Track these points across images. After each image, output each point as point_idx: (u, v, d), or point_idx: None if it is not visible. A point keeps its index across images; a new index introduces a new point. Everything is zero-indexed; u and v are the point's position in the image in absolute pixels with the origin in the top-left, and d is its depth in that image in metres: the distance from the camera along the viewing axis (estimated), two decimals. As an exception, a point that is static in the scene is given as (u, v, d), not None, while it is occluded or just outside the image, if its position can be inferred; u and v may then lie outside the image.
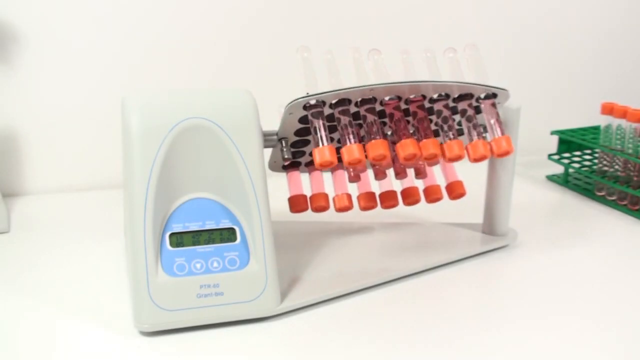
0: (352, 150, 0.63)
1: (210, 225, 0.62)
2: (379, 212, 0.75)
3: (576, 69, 1.18)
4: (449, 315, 0.64)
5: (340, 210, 0.71)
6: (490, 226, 0.79)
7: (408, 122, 0.69)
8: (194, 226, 0.61)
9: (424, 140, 0.66)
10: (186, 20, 0.96)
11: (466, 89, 0.68)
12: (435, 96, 0.68)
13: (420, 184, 0.75)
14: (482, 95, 0.69)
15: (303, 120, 0.66)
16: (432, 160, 0.67)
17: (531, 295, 0.68)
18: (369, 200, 0.73)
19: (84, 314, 0.63)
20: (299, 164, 0.73)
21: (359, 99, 0.66)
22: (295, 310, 0.63)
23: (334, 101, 0.65)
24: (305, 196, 0.72)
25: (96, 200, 0.93)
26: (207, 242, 0.61)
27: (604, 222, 0.87)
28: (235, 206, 0.63)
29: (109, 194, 0.94)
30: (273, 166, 0.73)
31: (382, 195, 0.74)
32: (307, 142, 0.70)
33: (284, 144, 0.67)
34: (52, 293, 0.67)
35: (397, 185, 0.74)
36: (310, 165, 0.74)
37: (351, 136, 0.64)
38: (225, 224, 0.62)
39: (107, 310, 0.63)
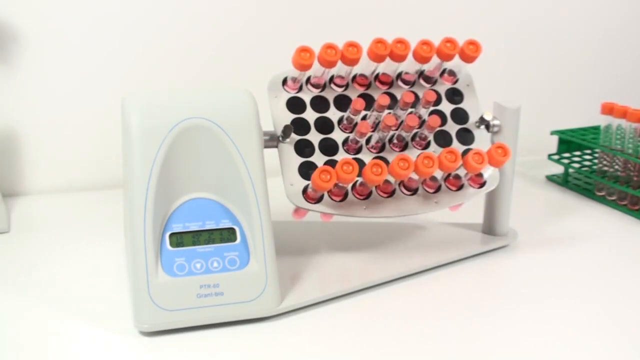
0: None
1: (210, 225, 0.62)
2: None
3: (576, 69, 1.18)
4: (448, 315, 0.64)
5: (370, 180, 0.65)
6: (490, 226, 0.79)
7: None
8: (194, 226, 0.61)
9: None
10: (186, 20, 0.96)
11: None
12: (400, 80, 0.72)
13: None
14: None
15: (291, 106, 0.68)
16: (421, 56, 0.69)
17: (531, 295, 0.68)
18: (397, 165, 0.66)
19: (84, 314, 0.63)
20: (322, 197, 0.69)
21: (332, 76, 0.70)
22: (295, 310, 0.63)
23: (311, 74, 0.68)
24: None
25: (96, 200, 0.93)
26: (207, 242, 0.61)
27: (604, 222, 0.87)
28: (235, 206, 0.63)
29: (109, 194, 0.94)
30: (290, 192, 0.67)
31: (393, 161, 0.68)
32: (312, 149, 0.70)
33: (281, 137, 0.68)
34: (52, 293, 0.67)
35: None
36: (333, 198, 0.69)
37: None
38: (225, 224, 0.62)
39: (108, 310, 0.63)
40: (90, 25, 0.92)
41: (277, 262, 0.63)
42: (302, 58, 0.66)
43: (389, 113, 0.69)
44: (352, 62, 0.68)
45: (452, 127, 0.74)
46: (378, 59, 0.68)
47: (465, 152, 0.73)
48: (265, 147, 0.66)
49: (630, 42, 1.20)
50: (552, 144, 1.04)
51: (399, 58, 0.69)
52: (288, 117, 0.69)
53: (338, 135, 0.70)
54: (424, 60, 0.70)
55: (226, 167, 0.62)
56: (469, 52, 0.71)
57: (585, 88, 1.19)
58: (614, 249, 0.80)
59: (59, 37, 0.91)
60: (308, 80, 0.71)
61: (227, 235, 0.62)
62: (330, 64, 0.67)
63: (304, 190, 0.68)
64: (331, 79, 0.71)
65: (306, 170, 0.69)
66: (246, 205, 0.62)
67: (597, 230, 0.85)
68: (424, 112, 0.70)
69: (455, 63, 0.73)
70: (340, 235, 0.78)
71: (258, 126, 0.63)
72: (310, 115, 0.70)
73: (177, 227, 0.61)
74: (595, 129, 1.02)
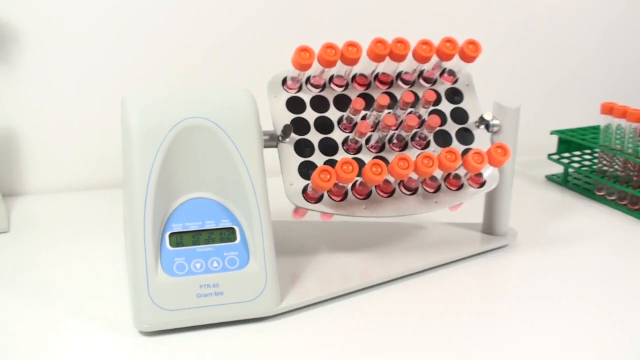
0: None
1: (210, 225, 0.62)
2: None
3: (576, 69, 1.18)
4: (448, 315, 0.64)
5: (370, 179, 0.65)
6: (490, 226, 0.79)
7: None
8: (194, 226, 0.61)
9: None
10: (186, 20, 0.96)
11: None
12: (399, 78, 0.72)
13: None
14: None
15: (291, 106, 0.68)
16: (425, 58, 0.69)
17: (531, 295, 0.68)
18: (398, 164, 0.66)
19: (83, 314, 0.63)
20: (322, 197, 0.69)
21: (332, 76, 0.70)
22: (295, 310, 0.63)
23: (311, 74, 0.68)
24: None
25: (96, 200, 0.93)
26: (207, 242, 0.61)
27: (604, 222, 0.87)
28: (235, 206, 0.63)
29: (109, 194, 0.94)
30: (290, 191, 0.67)
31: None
32: (312, 149, 0.69)
33: (281, 137, 0.68)
34: (52, 293, 0.67)
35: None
36: (333, 198, 0.69)
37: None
38: (225, 224, 0.62)
39: (107, 310, 0.63)
40: (90, 25, 0.92)
41: (277, 262, 0.63)
42: (302, 58, 0.66)
43: (389, 113, 0.69)
44: (352, 62, 0.68)
45: (452, 127, 0.74)
46: (378, 59, 0.69)
47: (465, 152, 0.73)
48: (265, 147, 0.66)
49: (630, 42, 1.20)
50: (552, 144, 1.04)
51: (399, 58, 0.69)
52: (288, 117, 0.69)
53: (338, 135, 0.70)
54: (423, 60, 0.70)
55: (226, 167, 0.62)
56: (469, 52, 0.71)
57: (585, 88, 1.19)
58: (614, 249, 0.80)
59: (59, 37, 0.91)
60: (308, 80, 0.71)
61: (227, 235, 0.62)
62: (330, 64, 0.67)
63: (304, 190, 0.68)
64: (331, 79, 0.72)
65: (306, 170, 0.68)
66: (246, 205, 0.62)
67: (597, 230, 0.85)
68: (424, 112, 0.70)
69: (456, 63, 0.73)
70: (340, 235, 0.78)
71: (258, 126, 0.63)
72: (310, 115, 0.70)
73: (177, 227, 0.61)
74: (595, 129, 1.02)
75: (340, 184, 0.66)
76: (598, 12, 1.16)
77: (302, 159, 0.69)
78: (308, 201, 0.67)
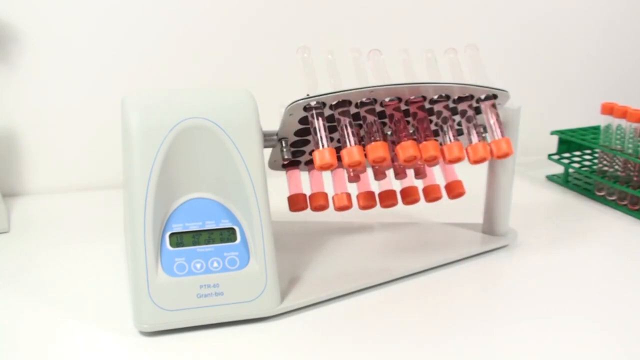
0: (352, 152, 0.63)
1: (210, 225, 0.62)
2: (379, 212, 0.75)
3: (576, 69, 1.18)
4: (449, 315, 0.64)
5: (339, 209, 0.72)
6: (490, 226, 0.79)
7: (408, 122, 0.69)
8: (194, 226, 0.61)
9: (424, 142, 0.66)
10: (186, 20, 0.96)
11: (466, 90, 0.68)
12: (435, 97, 0.68)
13: (419, 184, 0.75)
14: (482, 97, 0.69)
15: (303, 121, 0.66)
16: (431, 162, 0.67)
17: (531, 295, 0.68)
18: (368, 200, 0.73)
19: (83, 314, 0.63)
20: (299, 162, 0.73)
21: (359, 101, 0.66)
22: (295, 310, 0.63)
23: (334, 102, 0.65)
24: (304, 195, 0.72)
25: (96, 200, 0.93)
26: (207, 242, 0.61)
27: (604, 222, 0.87)
28: (235, 206, 0.63)
29: (109, 194, 0.94)
30: (273, 165, 0.73)
31: (381, 194, 0.74)
32: (307, 142, 0.70)
33: (283, 144, 0.67)
34: (52, 293, 0.67)
35: (396, 185, 0.75)
36: (310, 164, 0.74)
37: (351, 137, 0.64)
38: (225, 224, 0.62)
39: (107, 310, 0.63)
40: (90, 25, 0.92)
41: (277, 262, 0.63)
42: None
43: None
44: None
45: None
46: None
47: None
48: (265, 147, 0.66)
49: (630, 42, 1.20)
50: (552, 144, 1.04)
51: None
52: (296, 127, 0.68)
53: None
54: None
55: (226, 167, 0.62)
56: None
57: (585, 88, 1.19)
58: (614, 249, 0.80)
59: (59, 37, 0.91)
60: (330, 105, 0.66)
61: (227, 235, 0.62)
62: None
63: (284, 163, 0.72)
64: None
65: (294, 152, 0.71)
66: (246, 205, 0.62)
67: (597, 230, 0.85)
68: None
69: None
70: (340, 235, 0.78)
71: (258, 126, 0.63)
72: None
73: (177, 227, 0.61)
74: (595, 129, 1.02)
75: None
76: (598, 12, 1.16)
77: (293, 149, 0.70)
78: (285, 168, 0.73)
